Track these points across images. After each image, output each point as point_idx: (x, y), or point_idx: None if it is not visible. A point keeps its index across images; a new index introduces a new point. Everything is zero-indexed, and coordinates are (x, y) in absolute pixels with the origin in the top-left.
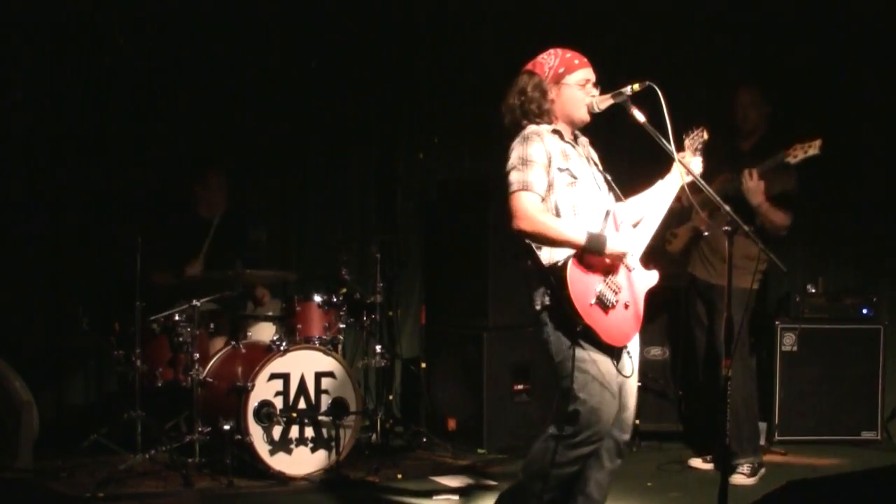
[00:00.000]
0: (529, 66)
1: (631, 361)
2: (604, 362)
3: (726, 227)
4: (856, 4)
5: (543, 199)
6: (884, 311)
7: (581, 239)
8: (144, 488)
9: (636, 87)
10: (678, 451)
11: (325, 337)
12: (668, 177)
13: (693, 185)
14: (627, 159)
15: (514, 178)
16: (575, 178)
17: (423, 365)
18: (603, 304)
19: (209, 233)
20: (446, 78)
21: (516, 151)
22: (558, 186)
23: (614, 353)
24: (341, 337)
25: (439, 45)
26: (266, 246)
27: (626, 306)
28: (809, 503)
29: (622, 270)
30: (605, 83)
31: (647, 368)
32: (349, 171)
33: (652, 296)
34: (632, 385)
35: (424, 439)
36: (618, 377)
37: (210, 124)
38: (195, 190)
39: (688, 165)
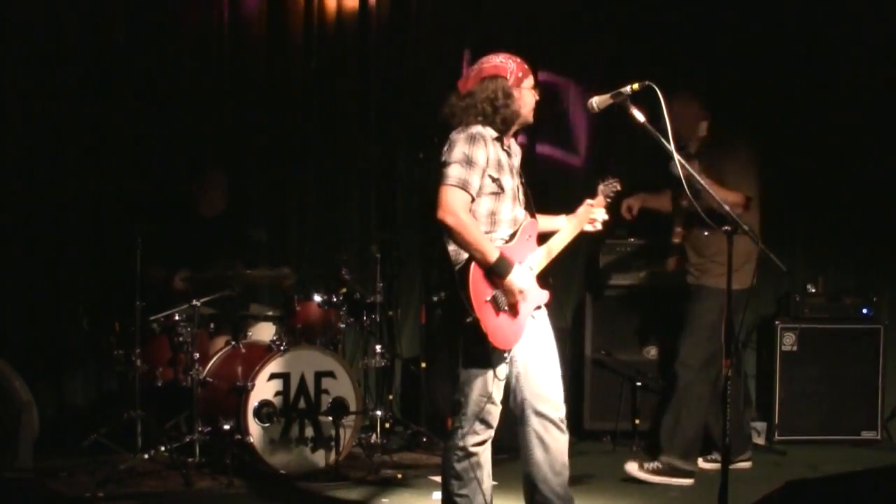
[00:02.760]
0: (491, 71)
1: (525, 344)
2: (495, 361)
3: (726, 228)
4: (856, 7)
5: (473, 202)
6: (884, 311)
7: (492, 257)
8: (144, 488)
9: (635, 86)
10: None
11: (325, 337)
12: (573, 215)
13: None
14: (628, 159)
15: (455, 173)
16: (502, 189)
17: (423, 365)
18: (496, 305)
19: (206, 232)
20: (446, 77)
21: (461, 148)
22: (484, 193)
23: (498, 357)
24: (341, 336)
25: (439, 44)
26: (266, 246)
27: (514, 316)
28: (809, 503)
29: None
30: (606, 83)
31: (646, 368)
32: (349, 171)
33: (652, 297)
34: (547, 363)
35: (424, 439)
36: (521, 359)
37: (210, 124)
38: (192, 189)
39: (682, 166)
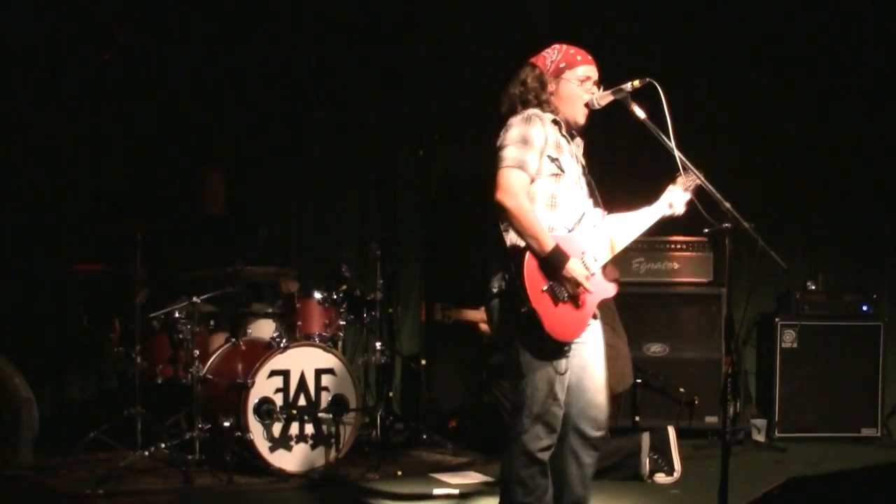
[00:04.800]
0: (533, 59)
1: (579, 358)
2: (553, 354)
3: (726, 224)
4: (857, 7)
5: (532, 180)
6: (884, 308)
7: (547, 246)
8: (144, 485)
9: (636, 83)
10: (681, 447)
11: (325, 334)
12: (654, 204)
13: None
14: (627, 158)
15: (512, 154)
16: (562, 171)
17: (423, 362)
18: (554, 295)
19: (208, 231)
20: (446, 75)
21: (517, 129)
22: (543, 174)
23: (557, 349)
24: (341, 334)
25: (439, 42)
26: (267, 243)
27: (578, 307)
28: (809, 500)
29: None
30: (605, 81)
31: (646, 365)
32: (349, 169)
33: (652, 295)
34: (597, 381)
35: (424, 436)
36: (574, 372)
37: (210, 123)
38: (193, 189)
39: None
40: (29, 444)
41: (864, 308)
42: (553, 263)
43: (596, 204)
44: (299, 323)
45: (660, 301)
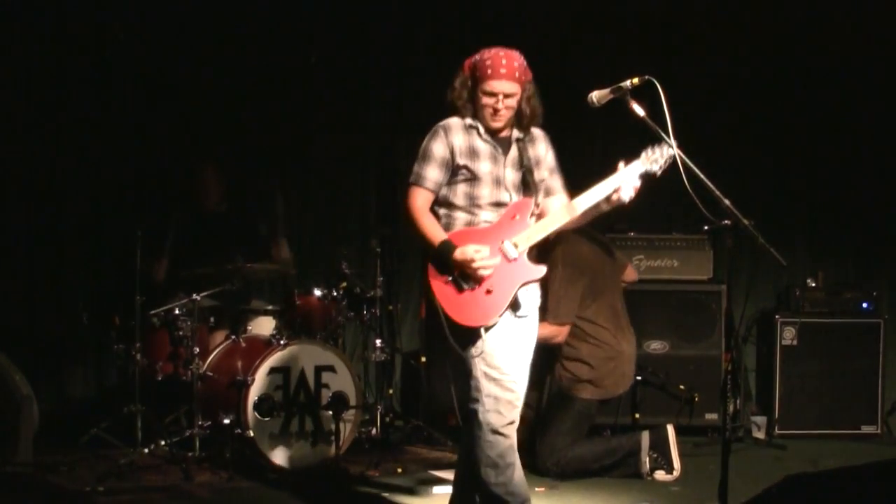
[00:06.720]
0: (465, 61)
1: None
2: (465, 340)
3: (726, 222)
4: (856, 7)
5: (434, 192)
6: (884, 306)
7: (436, 242)
8: (144, 482)
9: (636, 81)
10: (680, 445)
11: (325, 331)
12: (603, 182)
13: None
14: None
15: (414, 168)
16: (474, 175)
17: (423, 359)
18: (457, 285)
19: (207, 228)
20: (446, 73)
21: (423, 143)
22: (457, 180)
23: (469, 334)
24: (341, 331)
25: (439, 40)
26: (265, 240)
27: (489, 292)
28: (808, 497)
29: (497, 260)
30: (604, 80)
31: (647, 363)
32: (349, 166)
33: (653, 292)
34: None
35: (424, 433)
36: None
37: (210, 119)
38: (190, 184)
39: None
40: (29, 441)
41: (864, 305)
42: (441, 256)
43: (528, 195)
44: (299, 320)
45: (660, 298)
